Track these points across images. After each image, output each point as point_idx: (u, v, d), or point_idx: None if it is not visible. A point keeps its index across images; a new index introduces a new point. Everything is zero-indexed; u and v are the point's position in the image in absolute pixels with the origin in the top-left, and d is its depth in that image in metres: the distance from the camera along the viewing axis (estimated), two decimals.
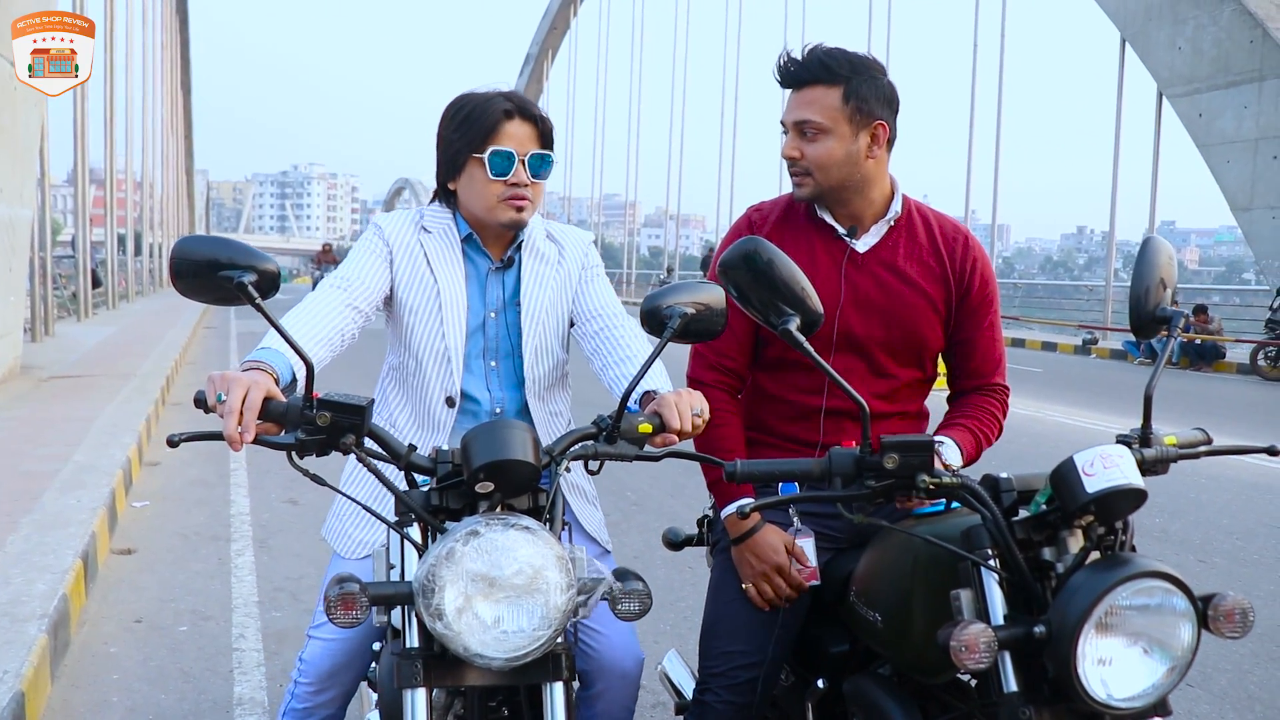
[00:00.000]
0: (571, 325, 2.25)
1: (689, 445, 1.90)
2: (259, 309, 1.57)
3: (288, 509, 6.09)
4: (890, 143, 2.12)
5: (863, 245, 2.16)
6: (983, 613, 1.56)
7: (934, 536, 1.65)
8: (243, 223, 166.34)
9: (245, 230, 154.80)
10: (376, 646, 2.21)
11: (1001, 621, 1.54)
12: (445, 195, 2.20)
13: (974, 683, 1.81)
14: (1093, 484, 1.46)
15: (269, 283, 1.57)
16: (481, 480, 1.56)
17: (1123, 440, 1.71)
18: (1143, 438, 1.70)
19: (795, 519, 2.11)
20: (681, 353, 2.35)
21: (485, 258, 2.20)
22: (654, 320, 1.72)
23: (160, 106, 38.04)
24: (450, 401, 2.16)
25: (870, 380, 2.15)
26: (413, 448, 1.69)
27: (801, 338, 1.57)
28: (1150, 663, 1.47)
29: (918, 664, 1.78)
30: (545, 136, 2.13)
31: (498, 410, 2.19)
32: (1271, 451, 1.78)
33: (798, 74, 2.07)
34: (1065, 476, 1.50)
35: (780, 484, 2.13)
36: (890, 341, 2.15)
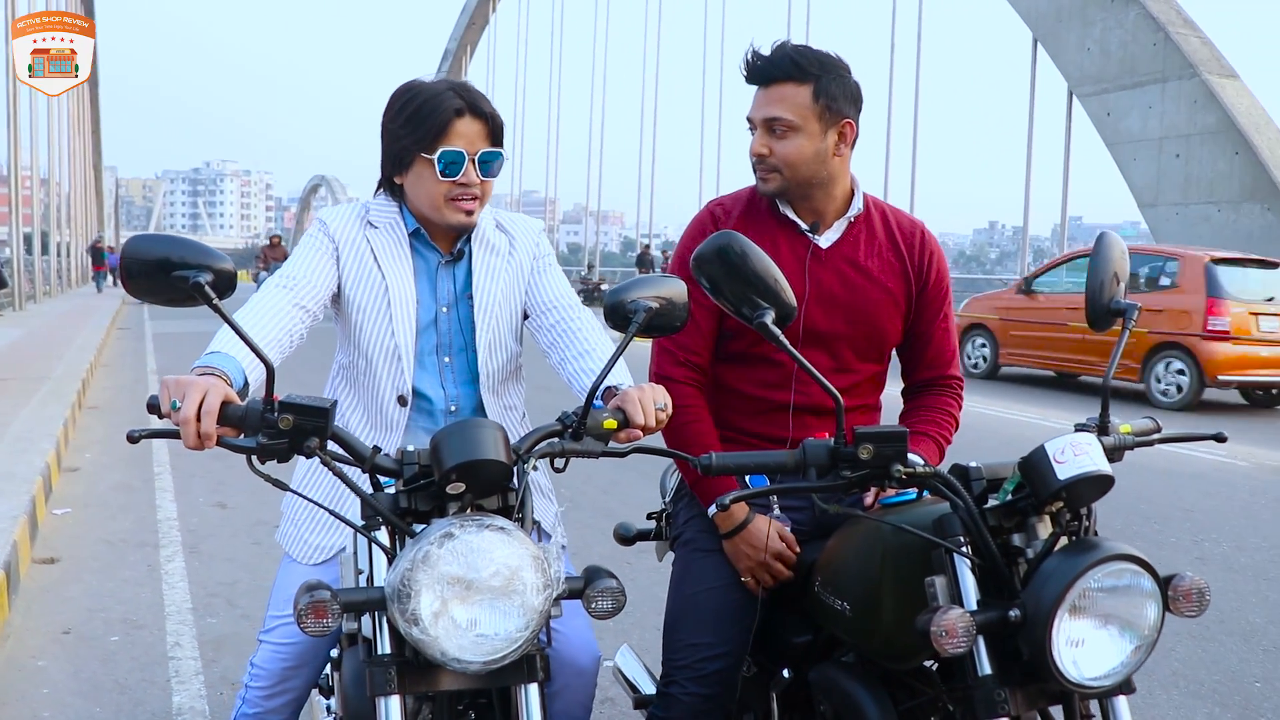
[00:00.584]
0: (525, 317, 2.23)
1: (657, 440, 1.90)
2: (216, 310, 1.52)
3: (216, 513, 5.95)
4: (854, 141, 2.14)
5: (825, 241, 2.19)
6: (956, 598, 1.59)
7: (904, 525, 1.68)
8: (153, 221, 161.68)
9: (156, 228, 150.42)
10: (335, 653, 2.17)
11: (974, 607, 1.57)
12: (391, 188, 2.16)
13: (935, 667, 1.86)
14: (1064, 471, 1.50)
15: (225, 283, 1.52)
16: (453, 481, 1.54)
17: (1081, 429, 1.76)
18: (1101, 426, 1.75)
19: (775, 506, 2.12)
20: (641, 348, 2.35)
21: (435, 251, 2.15)
22: (617, 315, 1.71)
23: (66, 100, 36.72)
24: (402, 400, 2.12)
25: (833, 375, 2.16)
26: (377, 449, 1.65)
27: (777, 331, 1.58)
28: (1119, 642, 1.51)
29: (886, 651, 1.81)
30: (496, 133, 2.09)
31: (452, 408, 2.16)
32: (1219, 439, 1.84)
33: (767, 71, 2.08)
34: (1037, 464, 1.54)
35: (748, 477, 2.16)
36: (853, 337, 2.17)
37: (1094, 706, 1.65)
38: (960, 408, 2.30)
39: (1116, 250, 1.85)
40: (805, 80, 2.07)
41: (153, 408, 1.57)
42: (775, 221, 2.20)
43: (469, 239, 2.16)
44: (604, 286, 26.26)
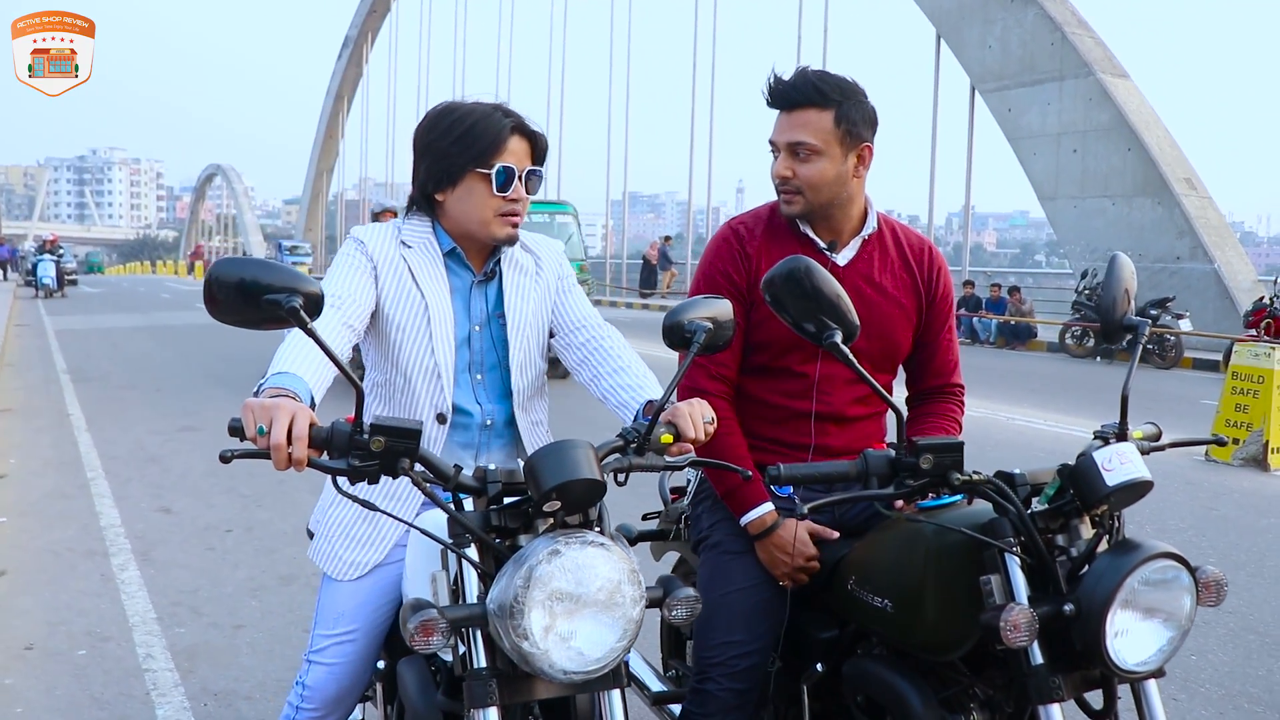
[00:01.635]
0: (551, 336, 2.30)
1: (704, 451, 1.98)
2: (311, 335, 1.52)
3: (162, 518, 5.83)
4: (870, 163, 2.26)
5: (842, 259, 2.30)
6: (1008, 595, 1.71)
7: (951, 526, 1.80)
8: (37, 210, 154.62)
9: (40, 219, 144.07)
10: (381, 665, 2.20)
11: (1025, 602, 1.70)
12: (423, 207, 2.20)
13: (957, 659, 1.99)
14: (1112, 478, 1.65)
15: (314, 306, 1.54)
16: (552, 499, 1.60)
17: (1100, 436, 1.91)
18: (1120, 434, 1.90)
19: (801, 507, 2.22)
20: (657, 355, 2.43)
21: (468, 271, 2.20)
22: (675, 336, 1.80)
23: None
24: (442, 418, 2.15)
25: (852, 387, 2.29)
26: (458, 468, 1.69)
27: (846, 350, 1.68)
28: (1160, 632, 1.66)
29: (928, 644, 1.93)
30: (540, 153, 2.16)
31: (488, 422, 2.21)
32: (1219, 443, 2.01)
33: (790, 96, 2.18)
34: (1085, 472, 1.68)
35: (773, 486, 2.26)
36: (870, 350, 2.28)
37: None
38: (963, 412, 2.44)
39: (1127, 271, 2.00)
40: (827, 106, 2.17)
41: (235, 430, 1.59)
42: (795, 240, 2.30)
43: (499, 259, 2.22)
44: None
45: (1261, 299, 15.21)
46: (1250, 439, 7.79)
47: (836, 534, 2.20)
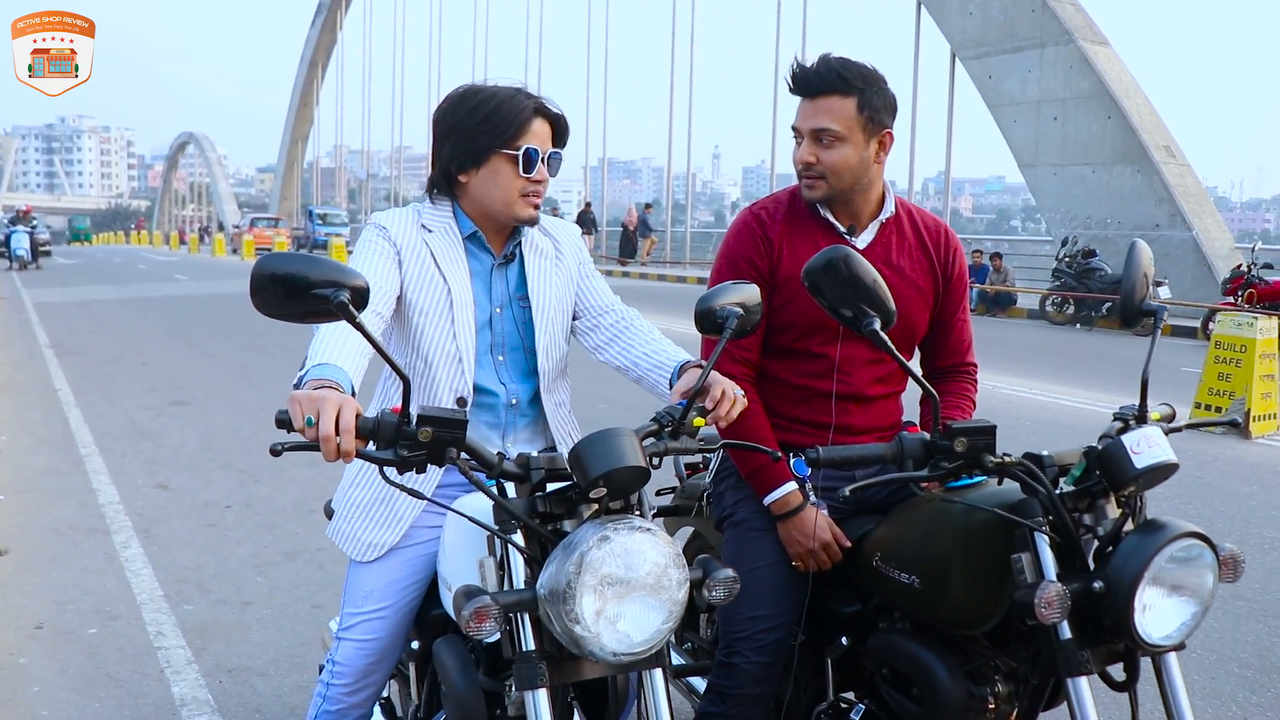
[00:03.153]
0: (575, 319, 2.33)
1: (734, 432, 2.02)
2: (360, 329, 1.54)
3: (160, 495, 5.84)
4: (890, 148, 2.29)
5: (862, 243, 2.34)
6: (1038, 573, 1.77)
7: (980, 506, 1.86)
8: (5, 180, 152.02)
9: (9, 189, 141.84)
10: (415, 645, 2.24)
11: (1054, 579, 1.76)
12: (445, 189, 2.22)
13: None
14: (1141, 460, 1.71)
15: (361, 299, 1.55)
16: (598, 486, 1.64)
17: (1119, 417, 1.97)
18: (1140, 415, 1.96)
19: (811, 493, 2.28)
20: (678, 331, 2.47)
21: (489, 254, 2.23)
22: (708, 321, 1.84)
23: None
24: (461, 402, 2.18)
25: (872, 367, 2.34)
26: (502, 456, 1.73)
27: (885, 337, 1.73)
28: (1184, 607, 1.73)
29: (954, 619, 1.99)
30: (561, 135, 2.19)
31: (513, 401, 2.25)
32: (1234, 425, 2.08)
33: (814, 83, 2.21)
34: (1114, 455, 1.74)
35: (793, 465, 2.32)
36: (889, 333, 2.33)
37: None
38: (976, 390, 2.50)
39: (1145, 256, 2.06)
40: (850, 93, 2.21)
41: (282, 423, 1.61)
42: (816, 224, 2.34)
43: (519, 242, 2.24)
44: None
45: (1239, 267, 15.37)
46: (1232, 407, 7.91)
47: (849, 543, 2.25)
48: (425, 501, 1.72)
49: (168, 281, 24.42)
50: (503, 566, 1.74)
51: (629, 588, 1.60)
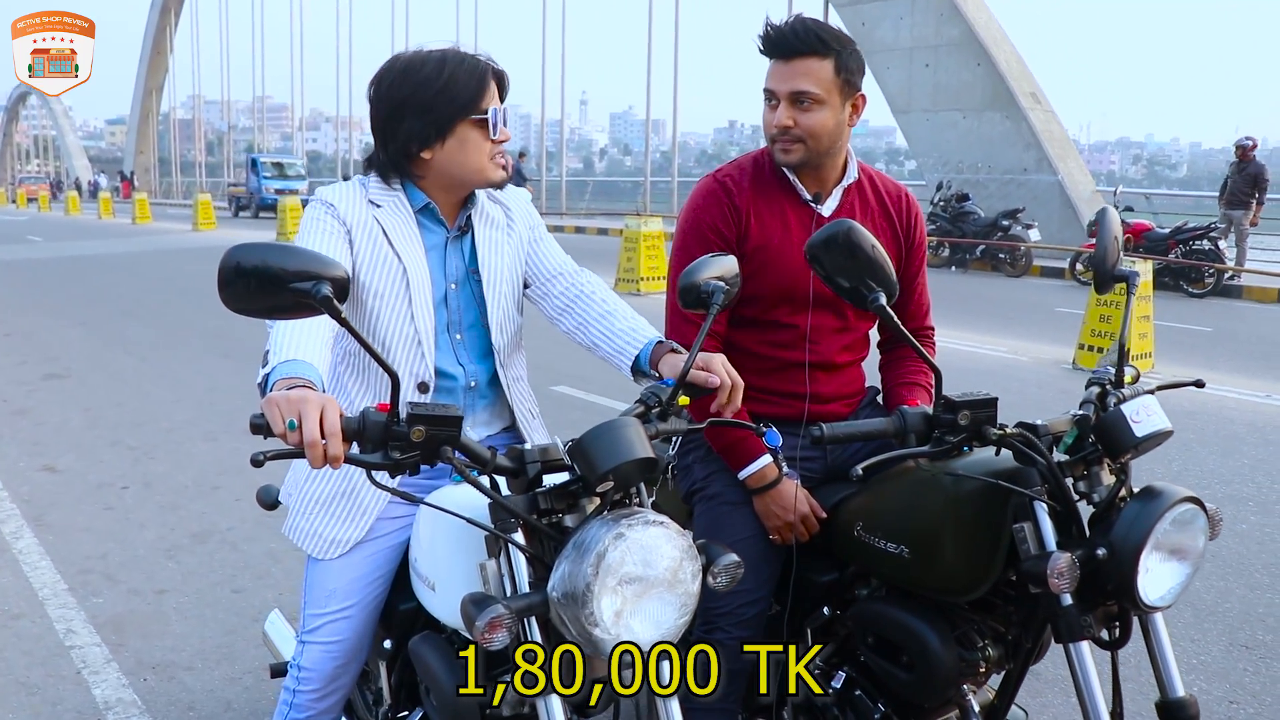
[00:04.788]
0: (526, 287, 2.24)
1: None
2: (345, 325, 1.41)
3: (48, 478, 5.49)
4: (862, 111, 2.26)
5: (827, 209, 2.31)
6: (1039, 542, 1.79)
7: (971, 475, 1.87)
8: None
9: None
10: (387, 644, 2.14)
11: (1054, 547, 1.78)
12: (407, 165, 2.07)
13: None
14: (1140, 429, 1.75)
15: (342, 292, 1.43)
16: (606, 481, 1.57)
17: (1095, 382, 2.00)
18: (1117, 380, 1.99)
19: (784, 464, 2.26)
20: (641, 299, 2.40)
21: (442, 227, 2.11)
22: (692, 296, 1.78)
23: None
24: (423, 387, 2.07)
25: (839, 335, 2.33)
26: (494, 450, 1.64)
27: (890, 311, 1.70)
28: (1179, 569, 1.77)
29: (945, 587, 2.00)
30: (504, 90, 2.09)
31: (472, 384, 2.15)
32: (1198, 384, 2.14)
33: (791, 44, 2.15)
34: (1115, 424, 1.77)
35: (766, 437, 2.29)
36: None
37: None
38: (934, 353, 2.50)
39: (1115, 221, 2.10)
40: (828, 54, 2.16)
41: (259, 428, 1.48)
42: (782, 192, 2.30)
43: (470, 213, 2.13)
44: None
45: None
46: (1112, 348, 8.27)
47: (825, 514, 2.24)
48: (390, 494, 1.61)
49: (21, 243, 22.94)
50: (501, 568, 1.66)
51: (647, 585, 1.53)
